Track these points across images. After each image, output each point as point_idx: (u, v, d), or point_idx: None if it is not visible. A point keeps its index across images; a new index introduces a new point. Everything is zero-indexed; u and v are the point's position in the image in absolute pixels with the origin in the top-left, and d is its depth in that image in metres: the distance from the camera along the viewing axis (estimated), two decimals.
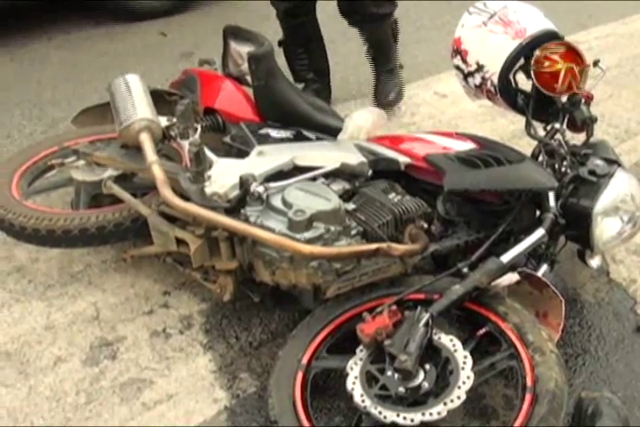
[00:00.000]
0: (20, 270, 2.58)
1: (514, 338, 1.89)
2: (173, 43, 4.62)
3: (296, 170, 2.27)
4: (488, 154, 2.16)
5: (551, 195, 2.12)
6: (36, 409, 2.07)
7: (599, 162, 2.18)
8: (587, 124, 2.30)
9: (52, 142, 2.78)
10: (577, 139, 2.38)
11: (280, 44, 3.41)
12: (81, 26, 4.91)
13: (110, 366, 2.19)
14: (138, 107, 2.36)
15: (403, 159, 2.28)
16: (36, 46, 4.61)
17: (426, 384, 1.80)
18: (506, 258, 1.97)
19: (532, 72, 2.23)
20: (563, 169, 2.20)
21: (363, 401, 1.80)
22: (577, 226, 2.12)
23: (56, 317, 2.38)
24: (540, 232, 2.04)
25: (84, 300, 2.44)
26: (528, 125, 2.31)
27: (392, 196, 2.18)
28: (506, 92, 2.30)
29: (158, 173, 2.13)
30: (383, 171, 2.30)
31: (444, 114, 3.59)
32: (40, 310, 2.40)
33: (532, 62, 2.21)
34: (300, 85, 3.46)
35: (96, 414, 2.04)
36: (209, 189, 2.14)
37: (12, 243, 2.61)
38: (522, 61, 2.27)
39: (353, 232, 2.07)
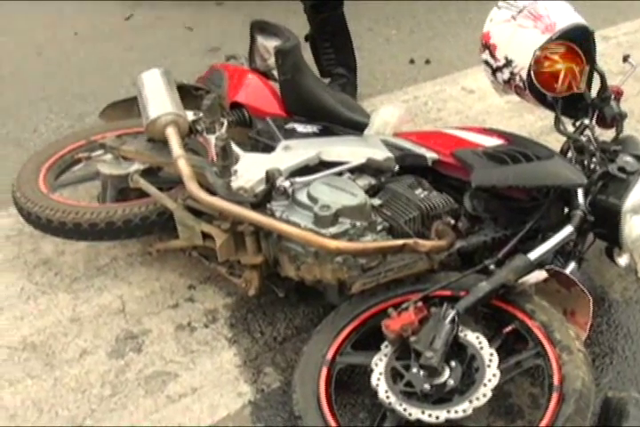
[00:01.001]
0: (47, 263, 2.60)
1: (541, 336, 1.88)
2: (200, 37, 4.63)
3: (322, 165, 2.27)
4: (516, 150, 2.15)
5: (580, 191, 2.10)
6: (61, 400, 2.08)
7: (629, 159, 2.16)
8: (616, 121, 2.29)
9: (79, 136, 2.80)
10: (606, 135, 2.35)
11: (307, 38, 3.40)
12: (107, 20, 4.93)
13: (135, 358, 2.21)
14: (164, 101, 2.37)
15: (430, 155, 2.27)
16: (63, 41, 4.64)
17: (451, 381, 1.79)
18: (533, 255, 1.95)
19: (532, 72, 2.20)
20: (592, 165, 2.18)
21: (387, 398, 1.80)
22: (605, 223, 2.10)
23: (82, 309, 2.39)
24: (568, 229, 2.02)
25: (110, 293, 2.46)
26: (557, 121, 2.28)
27: (419, 191, 2.17)
28: (535, 88, 2.28)
29: (184, 167, 2.14)
30: (410, 166, 2.29)
31: (471, 109, 3.57)
32: (66, 303, 2.42)
33: (532, 62, 2.19)
34: (326, 80, 3.45)
35: (121, 406, 2.06)
36: (235, 184, 2.14)
37: (39, 236, 2.63)
38: None
39: (379, 228, 2.06)
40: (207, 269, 2.46)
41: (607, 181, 2.13)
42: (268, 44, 2.82)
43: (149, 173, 2.48)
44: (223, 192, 2.11)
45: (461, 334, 1.87)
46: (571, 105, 2.30)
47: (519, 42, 2.25)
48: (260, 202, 2.11)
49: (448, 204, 2.16)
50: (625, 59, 2.32)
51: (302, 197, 2.07)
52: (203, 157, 2.39)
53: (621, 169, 2.12)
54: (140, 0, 5.13)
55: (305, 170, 2.23)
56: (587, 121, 2.27)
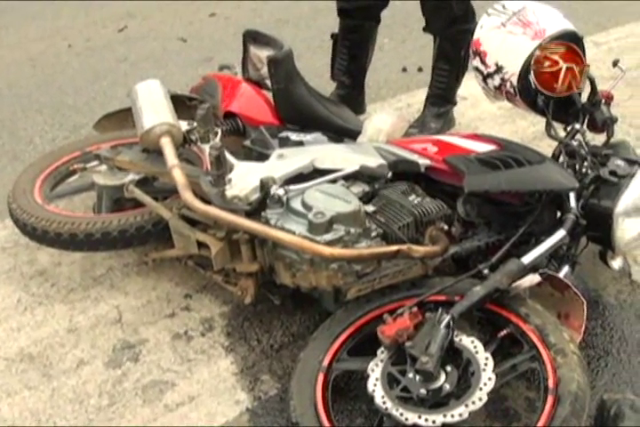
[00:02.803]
0: (43, 274, 2.61)
1: (535, 340, 1.89)
2: (193, 48, 4.65)
3: (316, 172, 2.28)
4: (508, 155, 2.15)
5: (572, 196, 2.11)
6: (59, 411, 2.09)
7: (620, 162, 2.17)
8: (607, 125, 2.29)
9: (74, 147, 2.82)
10: (597, 139, 2.37)
11: (332, 36, 3.40)
12: (101, 32, 4.96)
13: (133, 368, 2.21)
14: (158, 111, 2.38)
15: (422, 161, 2.28)
16: (57, 53, 4.65)
17: (447, 386, 1.80)
18: (527, 259, 1.96)
19: (531, 72, 2.22)
20: (583, 170, 2.18)
21: (384, 403, 1.80)
22: (598, 227, 2.11)
23: (79, 319, 2.40)
24: (560, 233, 2.03)
25: (107, 303, 2.46)
26: (548, 126, 2.30)
27: (412, 198, 2.18)
28: (525, 93, 2.30)
29: (179, 176, 2.14)
30: (403, 173, 2.30)
31: (463, 116, 3.58)
32: (63, 313, 2.43)
33: (532, 62, 2.21)
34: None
35: (119, 416, 2.06)
36: (229, 193, 2.15)
37: (35, 247, 2.64)
38: None
39: (373, 234, 2.07)
40: (203, 278, 2.47)
41: (599, 185, 2.14)
42: (261, 53, 2.84)
43: (144, 183, 2.49)
44: (218, 201, 2.12)
45: (456, 339, 1.88)
46: (562, 110, 2.31)
47: (509, 48, 2.27)
48: (255, 210, 2.12)
49: (441, 209, 2.16)
50: (615, 64, 2.33)
51: (296, 204, 2.08)
52: (197, 167, 2.40)
53: (613, 173, 2.13)
54: None
55: (299, 178, 2.24)
56: (577, 126, 2.28)
